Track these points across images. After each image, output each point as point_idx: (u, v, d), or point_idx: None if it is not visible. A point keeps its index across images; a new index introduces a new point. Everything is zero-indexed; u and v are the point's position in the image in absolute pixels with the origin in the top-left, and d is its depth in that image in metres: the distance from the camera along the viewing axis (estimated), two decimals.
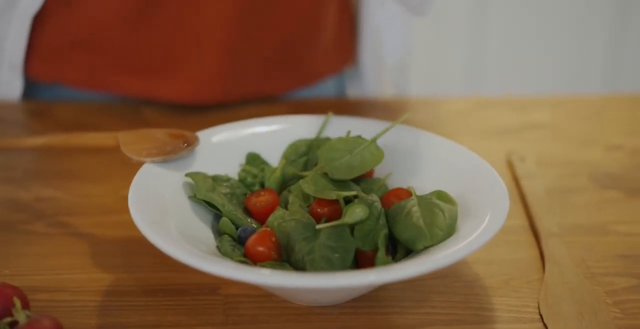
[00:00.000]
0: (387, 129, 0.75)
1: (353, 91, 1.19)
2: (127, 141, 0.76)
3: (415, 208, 0.69)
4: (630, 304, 0.70)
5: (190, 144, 0.76)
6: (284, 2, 1.03)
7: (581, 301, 0.69)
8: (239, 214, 0.72)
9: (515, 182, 0.90)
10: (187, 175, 0.73)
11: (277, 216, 0.69)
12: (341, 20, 1.11)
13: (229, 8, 1.00)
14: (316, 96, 1.13)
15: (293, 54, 1.08)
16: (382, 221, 0.69)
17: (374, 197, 0.70)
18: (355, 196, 0.72)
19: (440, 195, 0.71)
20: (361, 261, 0.68)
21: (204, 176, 0.74)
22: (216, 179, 0.75)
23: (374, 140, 0.74)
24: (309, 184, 0.71)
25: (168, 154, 0.74)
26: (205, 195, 0.72)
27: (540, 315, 0.68)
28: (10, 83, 1.07)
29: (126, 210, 0.67)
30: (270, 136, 0.81)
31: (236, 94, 1.06)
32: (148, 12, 1.01)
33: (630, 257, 0.77)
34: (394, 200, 0.71)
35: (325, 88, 1.15)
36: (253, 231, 0.70)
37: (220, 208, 0.72)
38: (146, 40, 1.03)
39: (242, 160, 0.79)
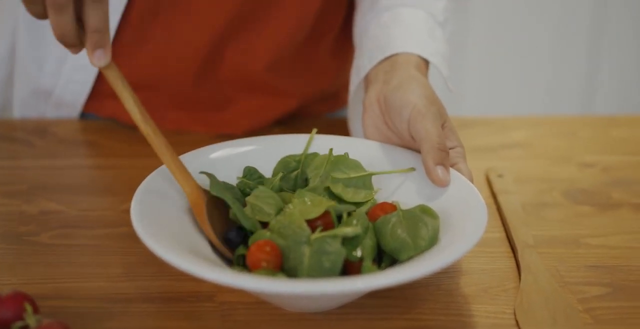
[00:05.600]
0: (385, 172, 0.82)
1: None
2: None
3: (401, 221, 0.73)
4: (600, 311, 0.75)
5: None
6: (315, 61, 1.13)
7: (555, 308, 0.74)
8: (245, 213, 0.76)
9: (494, 197, 0.94)
10: (201, 172, 0.77)
11: (279, 221, 0.73)
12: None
13: (281, 54, 1.08)
14: (337, 116, 1.23)
15: (327, 90, 1.19)
16: (370, 233, 0.73)
17: (362, 214, 0.75)
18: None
19: (424, 209, 0.75)
20: (349, 270, 0.72)
21: (215, 178, 0.78)
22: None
23: (372, 174, 0.81)
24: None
25: None
26: (219, 192, 0.76)
27: (516, 321, 0.72)
28: (65, 116, 1.13)
29: (127, 223, 0.71)
30: (261, 152, 0.85)
31: (275, 120, 1.14)
32: (210, 63, 1.07)
33: (601, 267, 0.81)
34: (380, 213, 0.76)
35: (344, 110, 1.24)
36: (241, 235, 0.75)
37: (231, 205, 0.76)
38: (204, 85, 1.09)
39: (239, 174, 0.83)
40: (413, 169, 0.81)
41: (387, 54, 0.91)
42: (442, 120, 0.82)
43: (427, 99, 0.82)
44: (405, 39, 0.93)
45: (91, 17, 0.72)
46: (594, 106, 2.46)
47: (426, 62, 0.93)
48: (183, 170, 0.77)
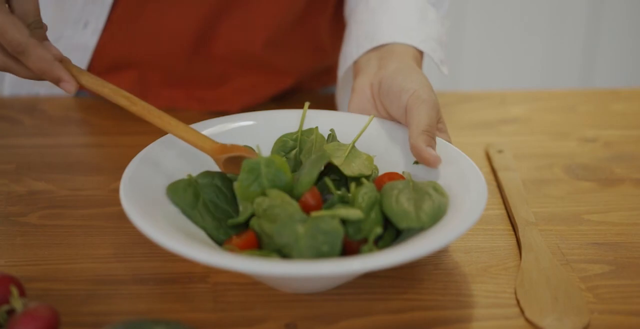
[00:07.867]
0: (357, 137, 0.80)
1: None
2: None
3: (408, 190, 0.72)
4: (603, 290, 0.73)
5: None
6: (313, 36, 1.12)
7: (556, 287, 0.72)
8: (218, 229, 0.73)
9: (494, 173, 0.92)
10: (168, 189, 0.73)
11: (259, 203, 0.70)
12: None
13: (279, 30, 1.06)
14: (333, 91, 1.20)
15: (323, 65, 1.17)
16: (375, 212, 0.71)
17: (371, 187, 0.72)
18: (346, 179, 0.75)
19: (435, 186, 0.73)
20: (347, 248, 0.70)
21: (184, 186, 0.74)
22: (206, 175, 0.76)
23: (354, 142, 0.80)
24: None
25: None
26: (186, 211, 0.73)
27: (517, 300, 0.71)
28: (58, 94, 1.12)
29: (117, 202, 0.69)
30: (255, 128, 0.84)
31: (271, 97, 1.12)
32: (204, 40, 1.06)
33: (603, 245, 0.80)
34: (387, 181, 0.74)
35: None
36: None
37: (200, 226, 0.73)
38: (199, 62, 1.08)
39: None
40: (372, 117, 0.82)
41: (375, 44, 0.89)
42: (438, 116, 0.80)
43: (428, 88, 0.80)
44: (393, 27, 0.91)
45: (30, 65, 0.75)
46: (594, 79, 2.44)
47: (421, 52, 0.91)
48: (194, 132, 0.77)
